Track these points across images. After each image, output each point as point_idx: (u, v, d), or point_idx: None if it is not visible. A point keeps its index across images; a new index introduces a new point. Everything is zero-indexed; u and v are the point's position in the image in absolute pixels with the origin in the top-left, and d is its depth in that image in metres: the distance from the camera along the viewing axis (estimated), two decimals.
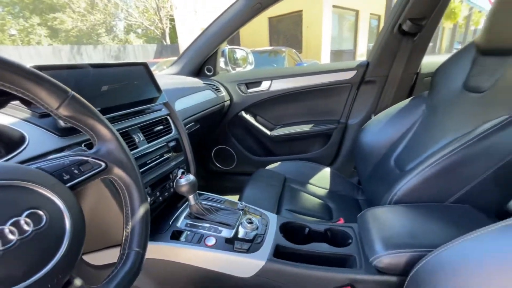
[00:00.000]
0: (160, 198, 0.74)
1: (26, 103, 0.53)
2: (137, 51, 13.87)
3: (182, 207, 0.78)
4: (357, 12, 10.85)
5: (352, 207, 1.02)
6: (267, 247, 0.66)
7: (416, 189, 0.68)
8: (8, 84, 0.32)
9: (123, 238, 0.44)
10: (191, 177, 0.68)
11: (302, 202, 0.99)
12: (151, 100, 0.78)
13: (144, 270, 0.47)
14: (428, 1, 1.10)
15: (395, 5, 1.19)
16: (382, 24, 1.27)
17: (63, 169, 0.38)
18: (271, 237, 0.69)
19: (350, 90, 1.37)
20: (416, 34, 1.18)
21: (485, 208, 0.64)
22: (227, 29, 1.25)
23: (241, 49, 1.73)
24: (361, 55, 11.28)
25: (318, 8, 9.14)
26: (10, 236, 0.28)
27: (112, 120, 0.64)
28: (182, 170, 0.84)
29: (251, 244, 0.66)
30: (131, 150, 0.65)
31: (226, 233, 0.69)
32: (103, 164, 0.42)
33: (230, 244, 0.66)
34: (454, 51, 0.88)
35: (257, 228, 0.69)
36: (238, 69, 1.65)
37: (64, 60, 11.54)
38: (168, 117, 0.86)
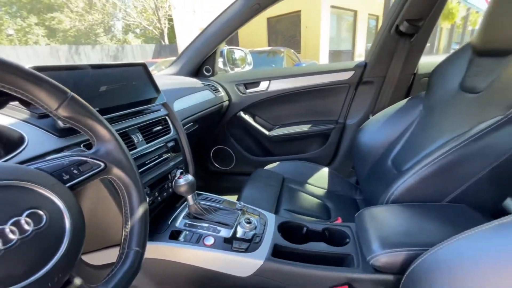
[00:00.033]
0: (159, 198, 0.74)
1: (25, 103, 0.53)
2: (136, 51, 13.85)
3: (181, 207, 0.79)
4: (355, 12, 10.87)
5: (350, 207, 1.03)
6: (265, 246, 0.66)
7: (413, 189, 0.68)
8: (8, 85, 0.32)
9: (122, 237, 0.44)
10: (189, 177, 0.68)
11: (301, 202, 1.00)
12: (150, 101, 0.79)
13: (143, 270, 0.47)
14: (425, 2, 1.11)
15: (392, 6, 1.20)
16: (380, 25, 1.27)
17: (62, 169, 0.38)
18: (269, 236, 0.70)
19: (348, 90, 1.38)
20: (413, 35, 1.19)
21: (481, 207, 0.65)
22: (226, 30, 1.26)
23: (239, 49, 1.74)
24: (360, 56, 11.30)
25: (316, 8, 9.15)
26: (11, 236, 0.28)
27: (111, 121, 0.65)
28: (181, 170, 0.84)
29: (250, 244, 0.66)
30: (130, 150, 0.65)
31: (225, 232, 0.69)
32: (102, 164, 0.42)
33: (228, 243, 0.66)
34: (452, 51, 0.89)
35: (255, 228, 0.70)
36: (236, 70, 1.65)
37: (62, 60, 11.49)
38: (166, 117, 0.86)
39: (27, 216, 0.30)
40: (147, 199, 0.62)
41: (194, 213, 0.72)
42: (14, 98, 0.52)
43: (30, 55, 10.81)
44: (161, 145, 0.78)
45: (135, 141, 0.69)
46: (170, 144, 0.82)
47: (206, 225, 0.71)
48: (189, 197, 0.69)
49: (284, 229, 0.75)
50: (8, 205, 0.30)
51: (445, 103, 0.80)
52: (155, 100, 0.80)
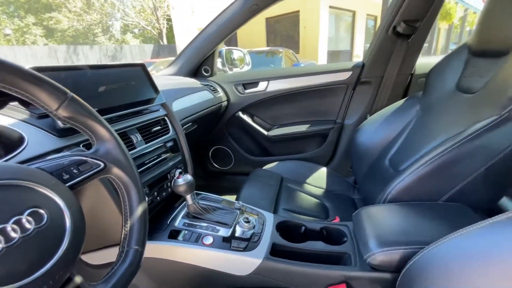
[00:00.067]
0: (158, 198, 0.74)
1: (25, 104, 0.54)
2: (134, 51, 13.81)
3: (180, 207, 0.79)
4: (354, 12, 10.90)
5: (348, 206, 1.03)
6: (263, 245, 0.67)
7: (410, 188, 0.69)
8: (9, 86, 0.33)
9: (122, 236, 0.45)
10: (188, 177, 0.68)
11: (299, 201, 1.00)
12: (149, 101, 0.79)
13: (142, 269, 0.47)
14: (422, 3, 1.12)
15: (389, 7, 1.21)
16: (378, 25, 1.28)
17: (62, 169, 0.38)
18: (268, 235, 0.70)
19: (346, 90, 1.38)
20: (410, 35, 1.20)
21: (477, 206, 0.66)
22: (224, 30, 1.26)
23: (238, 49, 1.74)
24: (358, 56, 11.33)
25: (315, 8, 9.16)
26: (13, 234, 0.29)
27: (110, 121, 0.65)
28: (180, 170, 0.85)
29: (248, 243, 0.67)
30: (129, 150, 0.65)
31: (224, 232, 0.69)
32: (102, 164, 0.43)
33: (227, 243, 0.67)
34: (450, 51, 0.90)
35: (254, 227, 0.70)
36: (235, 70, 1.65)
37: (60, 60, 11.45)
38: (165, 117, 0.87)
39: (28, 215, 0.31)
40: (146, 198, 0.62)
41: (193, 212, 0.72)
42: (14, 99, 0.52)
43: (28, 55, 10.75)
44: (160, 145, 0.79)
45: (134, 141, 0.70)
46: (169, 144, 0.83)
47: (205, 224, 0.72)
48: (188, 196, 0.70)
49: (283, 228, 0.75)
50: (9, 204, 0.30)
51: (442, 103, 0.81)
52: (154, 100, 0.81)
